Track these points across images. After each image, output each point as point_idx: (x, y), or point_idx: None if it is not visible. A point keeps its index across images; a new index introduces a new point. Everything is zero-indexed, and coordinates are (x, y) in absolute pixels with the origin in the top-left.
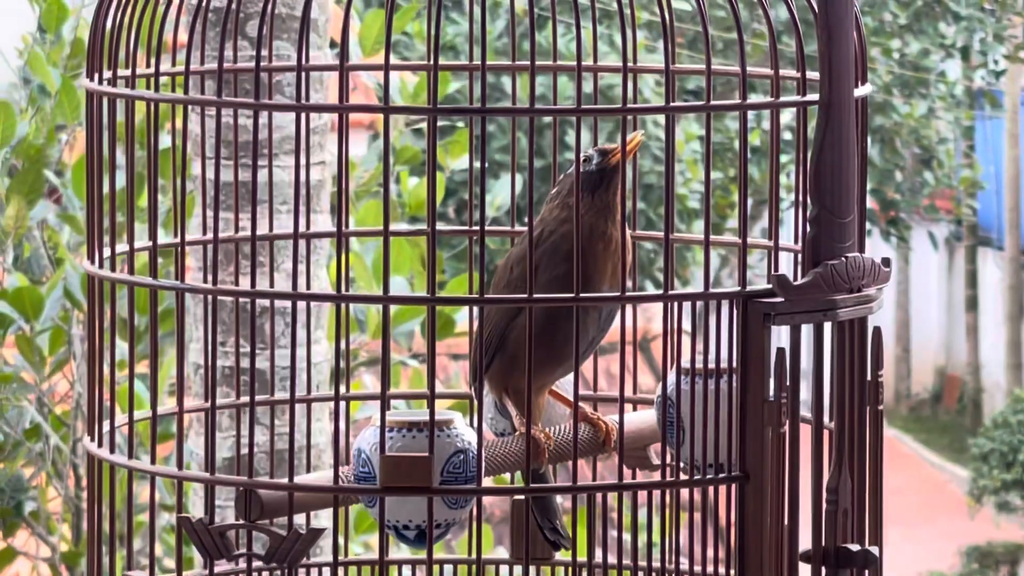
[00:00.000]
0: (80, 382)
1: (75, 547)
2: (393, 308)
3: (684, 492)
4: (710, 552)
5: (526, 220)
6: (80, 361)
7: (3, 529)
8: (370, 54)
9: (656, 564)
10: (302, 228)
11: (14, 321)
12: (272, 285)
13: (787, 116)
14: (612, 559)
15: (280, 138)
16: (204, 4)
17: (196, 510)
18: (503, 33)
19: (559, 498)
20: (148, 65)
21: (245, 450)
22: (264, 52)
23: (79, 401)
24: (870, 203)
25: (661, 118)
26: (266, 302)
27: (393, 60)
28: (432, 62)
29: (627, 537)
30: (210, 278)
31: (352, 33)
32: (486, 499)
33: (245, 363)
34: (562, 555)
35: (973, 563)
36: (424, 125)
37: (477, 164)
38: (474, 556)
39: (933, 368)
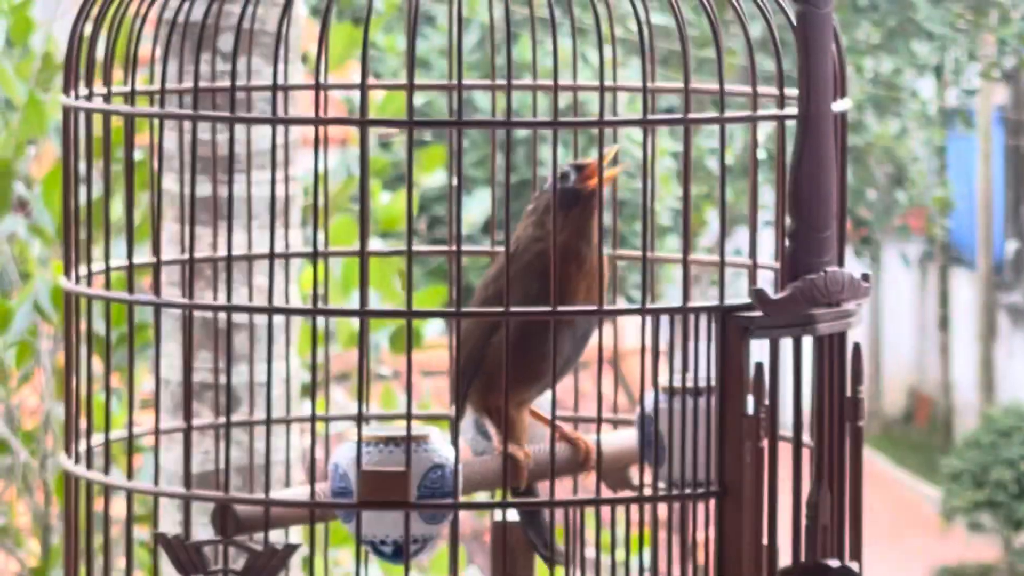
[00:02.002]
0: (49, 397)
1: (44, 562)
2: None
3: (662, 508)
4: (688, 569)
5: (501, 238)
6: (49, 376)
7: None
8: (336, 67)
9: None
10: (277, 243)
11: None
12: (251, 299)
13: (761, 135)
14: None
15: (253, 153)
16: (183, 20)
17: (171, 525)
18: (475, 48)
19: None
20: (125, 81)
21: (221, 465)
22: (239, 67)
23: (48, 416)
24: None
25: (636, 135)
26: (241, 318)
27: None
28: (409, 80)
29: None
30: (187, 292)
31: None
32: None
33: (221, 378)
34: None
35: None
36: (393, 139)
37: (454, 179)
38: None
39: (904, 387)
